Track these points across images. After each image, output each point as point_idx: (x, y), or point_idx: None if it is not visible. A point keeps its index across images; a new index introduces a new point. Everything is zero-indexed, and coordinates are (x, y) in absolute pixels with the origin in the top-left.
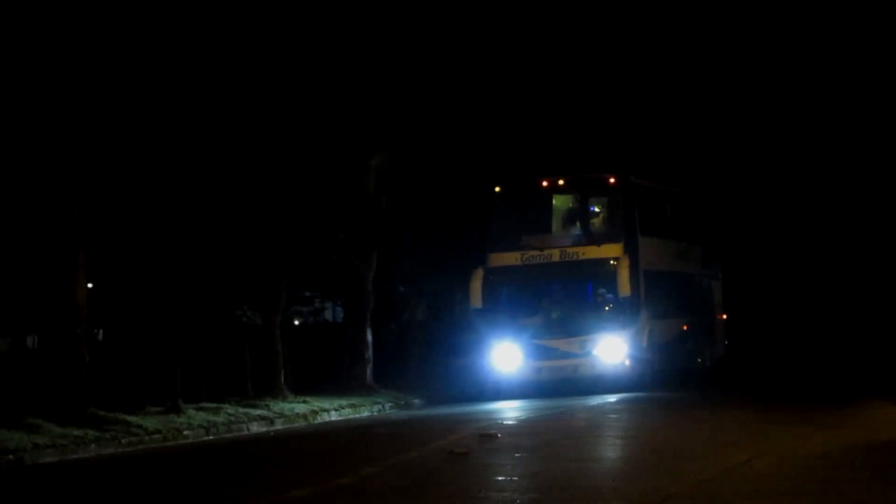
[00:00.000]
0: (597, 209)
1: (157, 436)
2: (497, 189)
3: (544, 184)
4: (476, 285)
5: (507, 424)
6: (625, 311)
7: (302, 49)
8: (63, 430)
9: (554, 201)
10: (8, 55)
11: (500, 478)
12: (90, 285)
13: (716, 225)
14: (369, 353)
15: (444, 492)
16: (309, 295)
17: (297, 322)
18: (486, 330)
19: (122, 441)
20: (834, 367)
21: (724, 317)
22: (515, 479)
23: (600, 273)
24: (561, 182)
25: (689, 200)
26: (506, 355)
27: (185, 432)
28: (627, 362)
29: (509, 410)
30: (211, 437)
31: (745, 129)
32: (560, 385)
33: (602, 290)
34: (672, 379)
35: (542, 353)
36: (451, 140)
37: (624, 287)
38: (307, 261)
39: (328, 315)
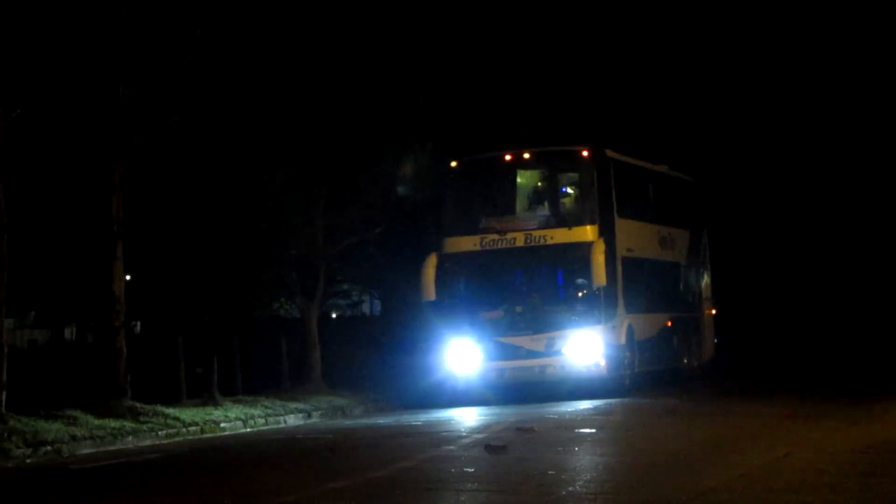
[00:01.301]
0: (568, 187)
1: (193, 428)
2: (453, 164)
3: (507, 157)
4: (428, 274)
5: (454, 446)
6: (599, 304)
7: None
8: (100, 422)
9: (518, 178)
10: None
11: None
12: (128, 277)
13: (704, 209)
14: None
15: None
16: (347, 288)
17: (334, 315)
18: (441, 326)
19: (160, 433)
20: (833, 362)
21: (714, 312)
22: None
23: (571, 260)
24: (527, 155)
25: (675, 180)
26: (463, 355)
27: (223, 424)
28: (602, 363)
29: (461, 422)
30: (248, 430)
31: (737, 106)
32: (526, 389)
33: (574, 280)
34: (655, 382)
35: (505, 352)
36: (399, 110)
37: (598, 276)
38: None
39: (366, 308)
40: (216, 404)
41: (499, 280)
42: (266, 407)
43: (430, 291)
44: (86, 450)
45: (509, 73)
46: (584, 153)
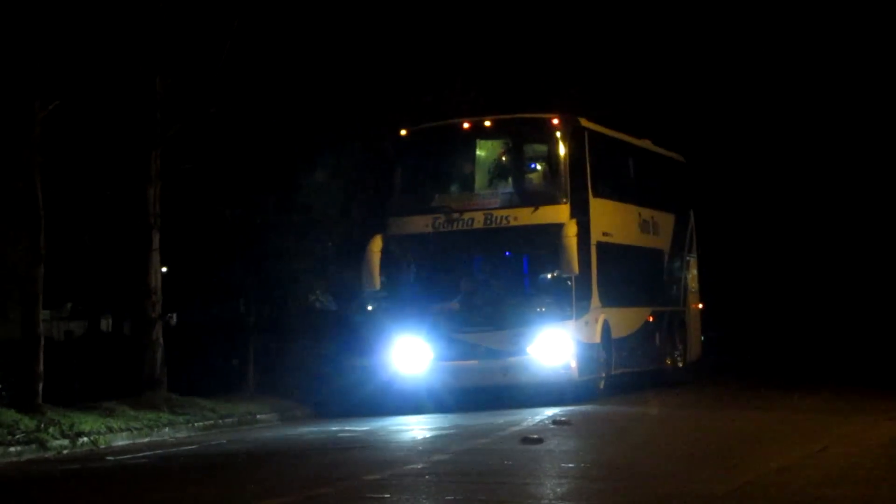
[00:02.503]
0: (535, 161)
1: (230, 419)
2: (403, 133)
3: (465, 126)
4: (371, 260)
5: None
6: (570, 297)
7: None
8: (137, 413)
9: (478, 150)
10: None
11: None
12: (165, 269)
13: (692, 190)
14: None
15: None
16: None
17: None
18: (386, 320)
19: (196, 424)
20: (833, 357)
21: (701, 306)
22: None
23: (538, 244)
24: (488, 123)
25: (659, 158)
26: (411, 354)
27: (259, 416)
28: (573, 364)
29: (405, 433)
30: (284, 422)
31: (729, 80)
32: (484, 394)
33: (541, 268)
34: (634, 385)
35: (461, 350)
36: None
37: (569, 263)
38: None
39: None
40: (252, 397)
41: (454, 267)
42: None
43: (372, 280)
44: (122, 441)
45: (479, 37)
46: (554, 121)
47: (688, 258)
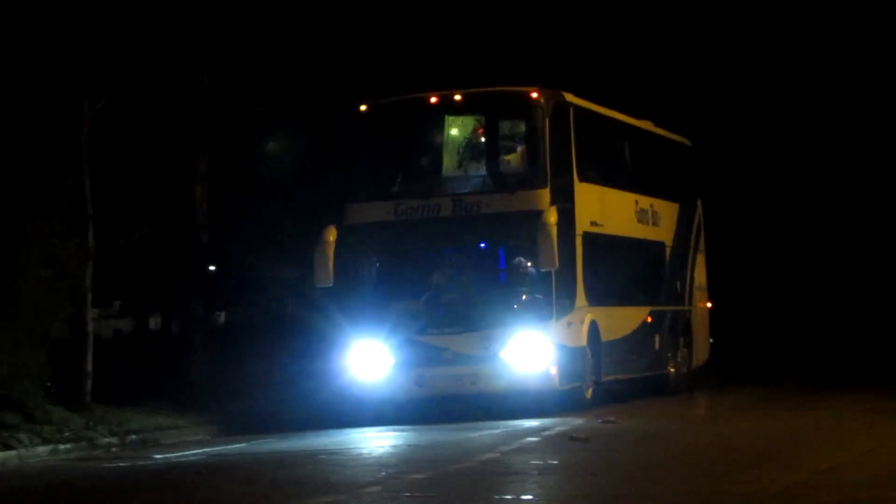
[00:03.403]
0: (512, 140)
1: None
2: (362, 108)
3: (433, 100)
4: (324, 253)
5: None
6: (550, 294)
7: None
8: (182, 412)
9: (448, 127)
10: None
11: None
12: (212, 268)
13: (699, 178)
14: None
15: None
16: None
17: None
18: (341, 320)
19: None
20: (862, 357)
21: (709, 305)
22: None
23: (515, 234)
24: (458, 98)
25: (661, 140)
26: (370, 358)
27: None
28: (554, 371)
29: (353, 452)
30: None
31: (742, 61)
32: (451, 404)
33: (517, 261)
34: (627, 394)
35: (425, 355)
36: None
37: (548, 256)
38: None
39: None
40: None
41: (418, 260)
42: None
43: (325, 275)
44: (170, 440)
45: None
46: (534, 95)
47: (694, 252)
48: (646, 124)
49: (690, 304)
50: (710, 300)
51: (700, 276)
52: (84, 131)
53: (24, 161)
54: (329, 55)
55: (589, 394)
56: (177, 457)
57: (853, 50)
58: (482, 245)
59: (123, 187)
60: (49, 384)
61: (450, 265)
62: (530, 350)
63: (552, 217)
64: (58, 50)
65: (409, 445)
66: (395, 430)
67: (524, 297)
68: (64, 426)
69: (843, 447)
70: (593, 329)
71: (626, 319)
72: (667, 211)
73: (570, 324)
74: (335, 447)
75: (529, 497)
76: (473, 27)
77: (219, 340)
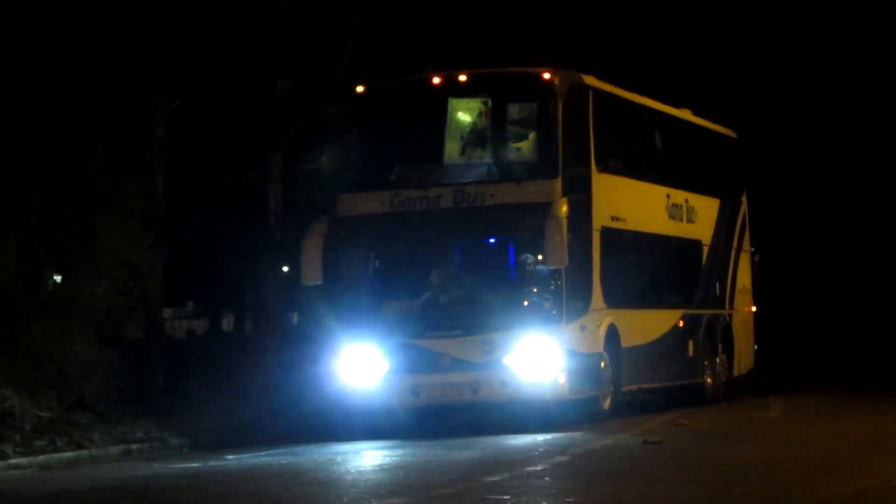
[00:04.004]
0: (521, 125)
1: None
2: (359, 89)
3: (435, 81)
4: (312, 248)
5: None
6: (559, 295)
7: None
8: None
9: (451, 111)
10: None
11: None
12: (286, 269)
13: (744, 173)
14: None
15: None
16: None
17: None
18: (331, 321)
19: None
20: None
21: (755, 309)
22: None
23: (521, 228)
24: (463, 79)
25: (700, 131)
26: (362, 364)
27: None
28: (563, 378)
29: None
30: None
31: (795, 51)
32: (450, 414)
33: (524, 258)
34: (652, 404)
35: (421, 361)
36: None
37: (557, 252)
38: None
39: None
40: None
41: (416, 256)
42: None
43: (313, 272)
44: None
45: None
46: (546, 76)
47: (737, 252)
48: (683, 113)
49: (731, 307)
50: (755, 304)
51: (744, 277)
52: (158, 131)
53: (99, 161)
54: (396, 54)
55: (607, 404)
56: (249, 457)
57: None
58: (486, 240)
59: (197, 187)
60: (121, 384)
61: (450, 262)
62: (537, 356)
63: (562, 209)
64: (133, 51)
65: (396, 466)
66: (388, 447)
67: (531, 298)
68: (136, 426)
69: None
70: (612, 333)
71: (652, 323)
72: (705, 206)
73: (583, 327)
74: (307, 465)
75: None
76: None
77: (290, 341)
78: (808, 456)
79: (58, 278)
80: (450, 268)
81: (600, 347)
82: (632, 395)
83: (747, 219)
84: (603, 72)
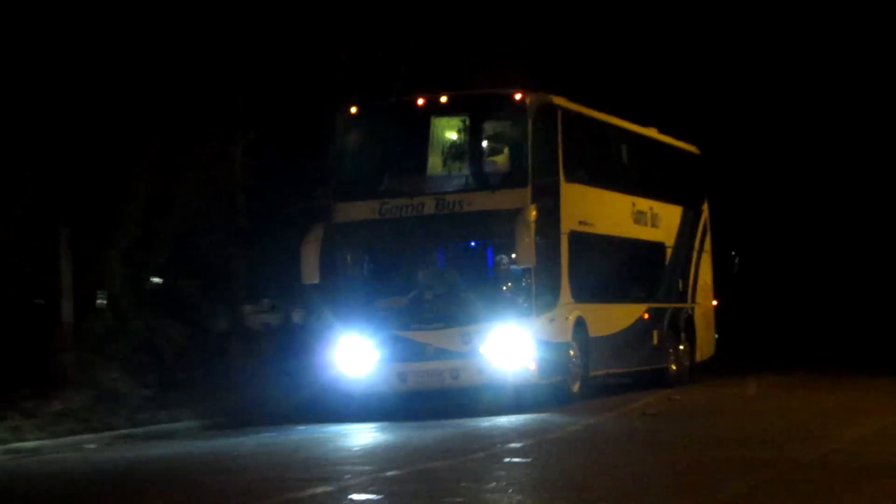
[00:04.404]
0: (495, 140)
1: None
2: (353, 110)
3: (420, 102)
4: (310, 250)
5: None
6: (529, 291)
7: None
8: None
9: (433, 128)
10: None
11: None
12: None
13: (705, 184)
14: None
15: None
16: None
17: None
18: (327, 315)
19: None
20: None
21: (715, 303)
22: None
23: (494, 232)
24: (444, 100)
25: (665, 148)
26: (355, 354)
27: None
28: (533, 366)
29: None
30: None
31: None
32: (434, 399)
33: (499, 258)
34: (619, 388)
35: (408, 350)
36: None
37: (526, 253)
38: None
39: None
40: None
41: (401, 257)
42: None
43: (311, 272)
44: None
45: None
46: (517, 97)
47: (699, 253)
48: (650, 131)
49: (694, 301)
50: (717, 298)
51: (705, 275)
52: (238, 157)
53: (190, 182)
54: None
55: (576, 388)
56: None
57: (852, 55)
58: (464, 243)
59: (271, 204)
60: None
61: (433, 262)
62: (509, 345)
63: (531, 215)
64: (219, 89)
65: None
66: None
67: (504, 294)
68: (218, 404)
69: (872, 420)
70: (580, 325)
71: (618, 315)
72: (669, 213)
73: (552, 320)
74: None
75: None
76: (494, 37)
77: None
78: (777, 425)
79: (156, 280)
80: (433, 267)
81: (569, 337)
82: (601, 379)
83: (708, 224)
84: (583, 96)
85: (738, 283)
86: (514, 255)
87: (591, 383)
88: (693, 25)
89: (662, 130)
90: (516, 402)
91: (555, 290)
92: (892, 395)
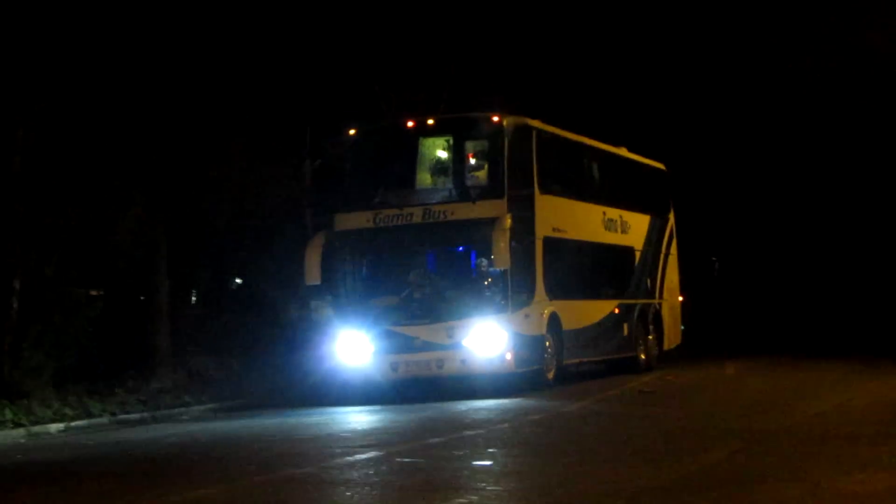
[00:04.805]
0: (476, 157)
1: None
2: (351, 131)
3: (409, 124)
4: (313, 255)
5: None
6: (504, 290)
7: None
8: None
9: (421, 147)
10: None
11: None
12: None
13: (672, 196)
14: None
15: None
16: None
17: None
18: (328, 313)
19: None
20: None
21: (681, 299)
22: None
23: (474, 239)
24: (431, 122)
25: (633, 164)
26: (353, 346)
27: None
28: (509, 356)
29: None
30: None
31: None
32: (423, 386)
33: (479, 261)
34: (592, 374)
35: (399, 343)
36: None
37: (499, 257)
38: None
39: None
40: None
41: (393, 261)
42: None
43: (313, 274)
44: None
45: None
46: (495, 119)
47: (665, 256)
48: (620, 150)
49: (661, 297)
50: (683, 295)
51: (671, 275)
52: (307, 175)
53: (268, 198)
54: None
55: (551, 375)
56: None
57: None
58: (449, 248)
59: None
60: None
61: (421, 265)
62: (488, 338)
63: (506, 223)
64: (289, 116)
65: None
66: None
67: (484, 293)
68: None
69: (828, 398)
70: (554, 319)
71: (590, 311)
72: (638, 221)
73: (527, 315)
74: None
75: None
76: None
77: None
78: (746, 400)
79: (238, 280)
80: (421, 270)
81: (543, 331)
82: (575, 367)
83: (674, 231)
84: (563, 120)
85: (716, 282)
86: (492, 259)
87: (566, 371)
88: (661, 54)
89: (635, 150)
90: (495, 388)
91: (530, 288)
92: (844, 377)
